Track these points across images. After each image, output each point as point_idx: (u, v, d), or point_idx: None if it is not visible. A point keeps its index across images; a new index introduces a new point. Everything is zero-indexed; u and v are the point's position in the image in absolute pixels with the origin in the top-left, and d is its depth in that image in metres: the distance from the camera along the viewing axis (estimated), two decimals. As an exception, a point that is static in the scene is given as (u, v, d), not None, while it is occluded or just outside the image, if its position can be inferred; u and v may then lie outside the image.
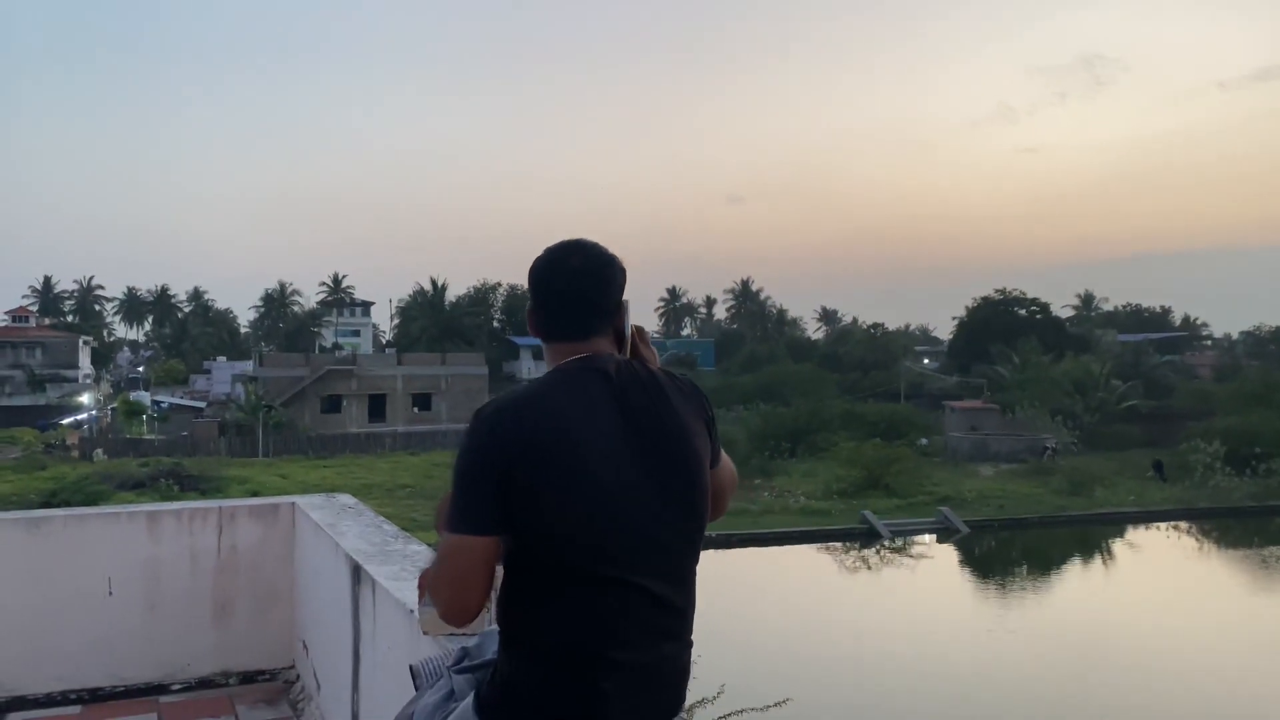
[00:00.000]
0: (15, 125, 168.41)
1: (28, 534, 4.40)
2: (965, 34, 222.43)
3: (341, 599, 3.75)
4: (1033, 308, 68.48)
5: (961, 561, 32.79)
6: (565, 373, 1.83)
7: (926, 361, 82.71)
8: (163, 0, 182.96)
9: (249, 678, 4.66)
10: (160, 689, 4.50)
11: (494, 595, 1.84)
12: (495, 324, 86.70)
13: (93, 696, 4.38)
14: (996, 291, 70.61)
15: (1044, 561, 32.85)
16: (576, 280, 1.88)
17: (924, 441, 46.47)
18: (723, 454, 2.00)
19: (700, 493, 1.84)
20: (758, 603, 25.42)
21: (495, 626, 1.88)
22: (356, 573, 3.54)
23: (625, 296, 1.95)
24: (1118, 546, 34.58)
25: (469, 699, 1.83)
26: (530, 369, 71.68)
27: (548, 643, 1.71)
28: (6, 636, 4.29)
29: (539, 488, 1.69)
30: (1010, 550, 34.29)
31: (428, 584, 1.84)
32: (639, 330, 1.98)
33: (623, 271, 1.93)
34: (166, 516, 4.64)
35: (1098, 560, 33.28)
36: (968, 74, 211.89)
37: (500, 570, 1.80)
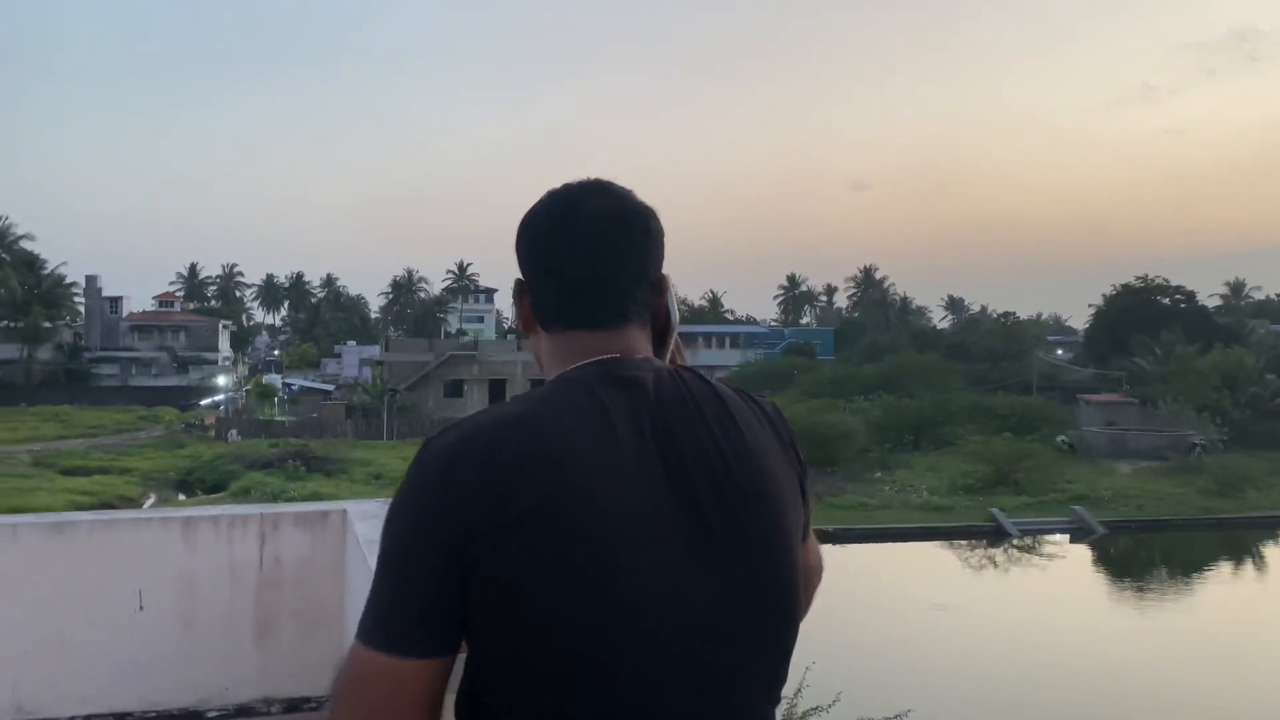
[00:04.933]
0: (171, 123, 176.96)
1: (50, 540, 4.01)
2: (1106, 11, 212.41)
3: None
4: (1177, 296, 64.67)
5: (1097, 562, 31.05)
6: (573, 385, 1.13)
7: (1060, 352, 79.17)
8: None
9: (293, 705, 4.19)
10: (195, 716, 4.07)
11: None
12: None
13: (122, 722, 3.99)
14: (1137, 279, 66.88)
15: (1189, 565, 30.81)
16: (601, 231, 1.18)
17: (1061, 439, 44.16)
18: (810, 527, 1.27)
19: (790, 587, 1.14)
20: (876, 603, 24.43)
21: None
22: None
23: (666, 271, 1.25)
24: (1272, 552, 32.25)
25: None
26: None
27: None
28: (28, 654, 3.91)
29: (520, 576, 1.02)
30: (1151, 553, 32.34)
31: None
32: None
33: (662, 230, 1.24)
34: (203, 524, 4.20)
35: (1249, 566, 31.08)
36: (1108, 53, 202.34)
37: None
